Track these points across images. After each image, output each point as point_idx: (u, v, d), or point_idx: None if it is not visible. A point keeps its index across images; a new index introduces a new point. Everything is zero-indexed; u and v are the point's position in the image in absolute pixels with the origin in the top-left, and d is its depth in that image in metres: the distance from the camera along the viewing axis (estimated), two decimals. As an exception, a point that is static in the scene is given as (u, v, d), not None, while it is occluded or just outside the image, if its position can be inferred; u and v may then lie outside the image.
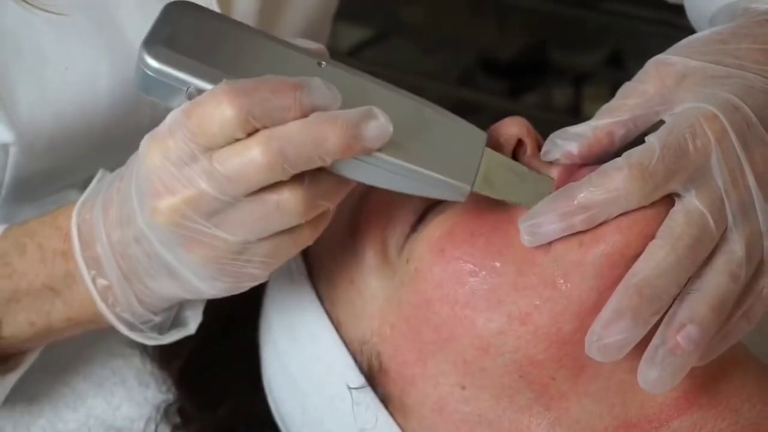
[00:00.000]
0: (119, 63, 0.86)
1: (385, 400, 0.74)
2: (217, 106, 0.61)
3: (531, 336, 0.68)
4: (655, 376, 0.63)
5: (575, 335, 0.67)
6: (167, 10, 0.68)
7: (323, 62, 0.68)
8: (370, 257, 0.75)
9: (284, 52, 0.68)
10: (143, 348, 0.91)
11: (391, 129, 0.63)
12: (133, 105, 0.89)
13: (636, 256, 0.65)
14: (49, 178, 0.88)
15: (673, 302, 0.64)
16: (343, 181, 0.66)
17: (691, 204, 0.64)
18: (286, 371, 0.79)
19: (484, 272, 0.69)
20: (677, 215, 0.64)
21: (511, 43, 2.41)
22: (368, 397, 0.74)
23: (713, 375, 0.70)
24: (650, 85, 0.69)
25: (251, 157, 0.61)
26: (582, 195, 0.65)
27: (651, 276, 0.63)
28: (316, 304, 0.77)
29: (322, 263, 0.78)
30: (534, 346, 0.68)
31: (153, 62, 0.65)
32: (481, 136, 0.70)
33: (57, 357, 0.91)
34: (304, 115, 0.62)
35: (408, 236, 0.73)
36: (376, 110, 0.63)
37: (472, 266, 0.70)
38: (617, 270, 0.66)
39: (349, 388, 0.74)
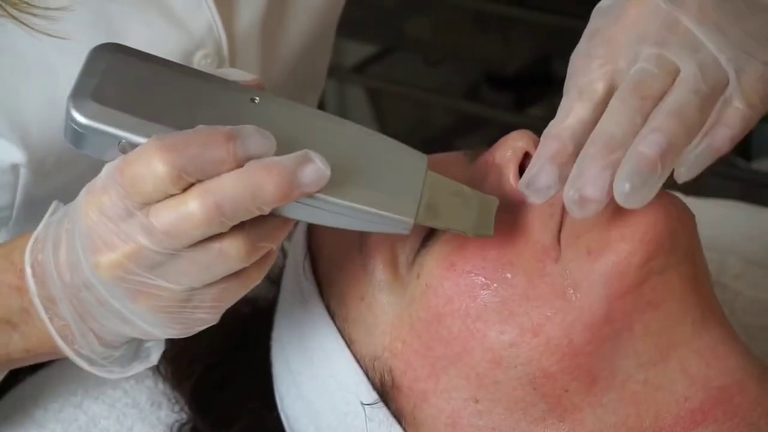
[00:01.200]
0: None
1: (398, 416, 0.73)
2: (149, 165, 0.60)
3: (544, 348, 0.68)
4: (626, 187, 0.61)
5: (587, 347, 0.67)
6: (93, 56, 0.66)
7: (257, 98, 0.67)
8: (380, 273, 0.74)
9: (216, 91, 0.66)
10: (155, 368, 0.90)
11: (328, 172, 0.62)
12: None
13: (642, 264, 0.65)
14: (59, 198, 0.88)
15: None
16: (285, 220, 0.65)
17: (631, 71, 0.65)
18: (298, 389, 0.79)
19: (495, 284, 0.69)
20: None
21: (516, 56, 2.41)
22: (381, 413, 0.74)
23: (729, 388, 0.69)
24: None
25: (188, 212, 0.60)
26: (552, 124, 0.66)
27: (600, 127, 0.63)
28: (328, 321, 0.77)
29: (332, 280, 0.78)
30: (547, 358, 0.68)
31: (81, 118, 0.63)
32: (422, 160, 0.69)
33: (67, 380, 0.91)
34: (239, 166, 0.61)
35: (418, 252, 0.73)
36: (312, 154, 0.62)
37: (483, 279, 0.70)
38: (626, 280, 0.66)
39: (362, 405, 0.74)
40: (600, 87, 0.65)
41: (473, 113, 2.54)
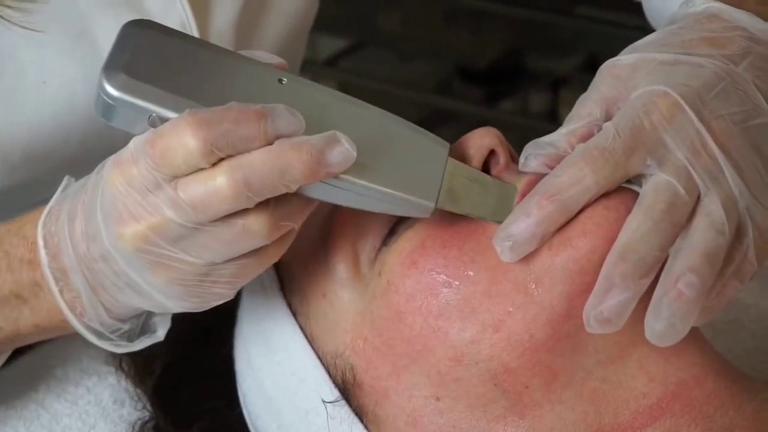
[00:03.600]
0: (96, 77, 0.85)
1: (360, 414, 0.73)
2: (181, 139, 0.61)
3: (505, 343, 0.68)
4: (662, 326, 0.62)
5: (547, 342, 0.67)
6: (125, 31, 0.67)
7: (284, 78, 0.68)
8: (341, 270, 0.74)
9: (245, 70, 0.68)
10: (118, 365, 0.90)
11: (354, 153, 0.63)
12: None
13: (602, 262, 0.65)
14: (27, 192, 0.88)
15: (662, 267, 0.64)
16: (308, 200, 0.66)
17: (657, 177, 0.65)
18: (260, 386, 0.79)
19: (457, 282, 0.69)
20: (645, 190, 0.65)
21: (488, 50, 2.42)
22: (343, 411, 0.73)
23: (686, 382, 0.70)
24: (605, 85, 0.70)
25: (216, 187, 0.61)
26: (544, 187, 0.65)
27: (631, 241, 0.63)
28: (289, 318, 0.77)
29: (294, 276, 0.78)
30: (508, 353, 0.68)
31: (113, 91, 0.64)
32: (444, 147, 0.70)
33: (30, 378, 0.91)
34: (269, 143, 0.62)
35: (379, 249, 0.73)
36: (340, 135, 0.63)
37: (445, 277, 0.69)
38: (586, 276, 0.66)
39: (324, 402, 0.74)
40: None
41: (445, 107, 2.55)
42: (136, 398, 0.89)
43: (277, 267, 0.79)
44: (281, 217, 0.64)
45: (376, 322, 0.72)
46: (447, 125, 2.56)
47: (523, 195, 0.68)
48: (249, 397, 0.81)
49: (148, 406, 0.87)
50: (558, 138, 0.69)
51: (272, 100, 0.64)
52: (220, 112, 0.62)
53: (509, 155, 0.75)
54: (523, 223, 0.65)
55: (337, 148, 0.63)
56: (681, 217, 0.64)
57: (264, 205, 0.63)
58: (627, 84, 0.69)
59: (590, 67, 2.40)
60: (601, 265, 0.65)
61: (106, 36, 0.87)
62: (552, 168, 0.68)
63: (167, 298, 0.67)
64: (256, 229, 0.64)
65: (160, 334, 0.76)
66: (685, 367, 0.70)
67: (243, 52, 0.70)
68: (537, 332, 0.67)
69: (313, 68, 2.61)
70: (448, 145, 0.70)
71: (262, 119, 0.62)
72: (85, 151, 0.87)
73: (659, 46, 0.70)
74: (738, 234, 0.65)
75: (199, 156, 0.61)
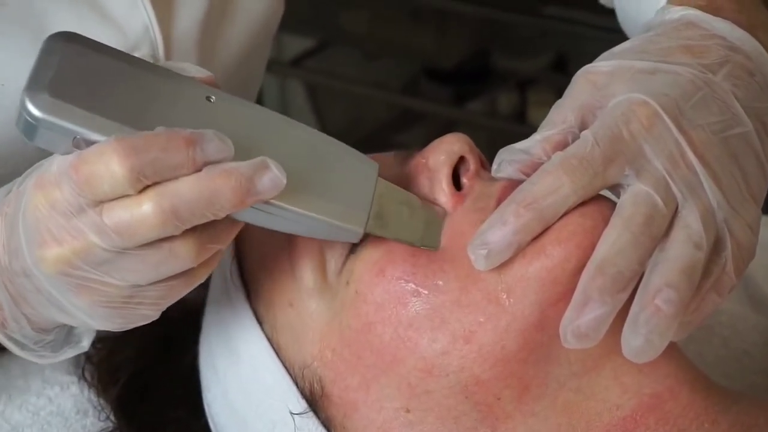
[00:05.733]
0: None
1: (328, 426, 0.72)
2: (107, 166, 0.59)
3: (476, 354, 0.67)
4: (639, 343, 0.61)
5: (519, 353, 0.67)
6: (47, 47, 0.65)
7: (213, 96, 0.66)
8: (308, 279, 0.73)
9: (173, 88, 0.66)
10: (81, 375, 0.89)
11: (284, 180, 0.62)
12: None
13: (576, 271, 0.64)
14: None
15: (640, 280, 0.63)
16: (235, 222, 0.65)
17: (635, 187, 0.64)
18: (226, 397, 0.78)
19: (426, 291, 0.68)
20: (624, 200, 0.64)
21: (455, 50, 2.41)
22: (311, 422, 0.72)
23: (661, 394, 0.69)
24: (581, 91, 0.69)
25: (143, 215, 0.60)
26: (521, 195, 0.64)
27: (609, 255, 0.62)
28: (255, 327, 0.75)
29: (260, 285, 0.77)
30: (479, 365, 0.67)
31: (37, 112, 0.61)
32: (373, 168, 0.69)
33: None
34: (197, 170, 0.61)
35: (347, 257, 0.72)
36: (269, 161, 0.62)
37: (413, 286, 0.68)
38: (559, 286, 0.65)
39: (291, 414, 0.72)
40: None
41: (412, 107, 2.54)
42: (99, 408, 0.87)
43: (243, 274, 0.78)
44: (208, 240, 0.63)
45: (344, 332, 0.71)
46: (414, 125, 2.56)
47: (499, 201, 0.67)
48: (214, 407, 0.80)
49: (112, 417, 0.86)
50: (532, 144, 0.67)
51: (201, 121, 0.63)
52: (148, 139, 0.60)
53: (479, 161, 0.74)
54: (500, 231, 0.64)
55: (267, 174, 0.61)
56: (659, 230, 0.63)
57: (191, 228, 0.62)
58: (604, 91, 0.68)
59: (558, 68, 2.40)
60: (574, 274, 0.64)
61: None
62: (526, 174, 0.67)
63: (91, 318, 0.66)
64: (182, 252, 0.62)
65: (85, 344, 0.75)
66: (659, 378, 0.69)
67: (172, 64, 0.68)
68: (509, 343, 0.66)
69: (278, 68, 2.60)
70: (377, 165, 0.70)
71: (190, 146, 0.60)
72: (44, 155, 0.85)
73: (636, 53, 0.69)
74: (716, 246, 0.64)
75: (126, 184, 0.60)
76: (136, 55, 0.89)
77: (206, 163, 0.61)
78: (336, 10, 2.52)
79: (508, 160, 0.68)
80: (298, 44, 2.60)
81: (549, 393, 0.68)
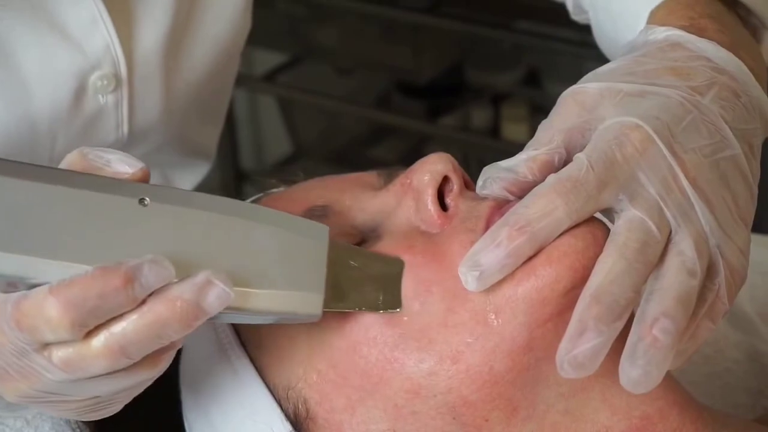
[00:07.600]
0: (14, 100, 0.83)
1: (313, 448, 0.71)
2: (47, 320, 0.58)
3: (463, 375, 0.66)
4: (638, 373, 0.60)
5: (507, 375, 0.66)
6: None
7: (146, 198, 0.62)
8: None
9: (102, 199, 0.61)
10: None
11: (231, 293, 0.60)
12: (30, 143, 0.86)
13: (566, 292, 0.64)
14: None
15: (635, 308, 0.62)
16: None
17: (629, 213, 0.63)
18: (207, 417, 0.77)
19: (413, 312, 0.67)
20: (618, 227, 0.64)
21: (427, 65, 2.41)
22: (295, 444, 0.71)
23: (650, 417, 0.69)
24: (569, 112, 0.68)
25: (92, 354, 0.59)
26: (514, 217, 0.64)
27: (604, 283, 0.61)
28: (239, 348, 0.75)
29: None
30: (467, 386, 0.66)
31: None
32: (323, 233, 0.66)
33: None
34: (141, 303, 0.59)
35: None
36: (213, 277, 0.59)
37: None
38: (548, 307, 0.65)
39: (275, 436, 0.72)
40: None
41: (385, 122, 2.54)
42: (78, 430, 0.86)
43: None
44: (162, 351, 0.62)
45: (330, 353, 0.70)
46: (387, 140, 2.55)
47: (488, 220, 0.67)
48: (195, 429, 0.79)
49: (91, 438, 0.85)
50: (517, 163, 0.67)
51: (137, 234, 0.60)
52: (84, 285, 0.58)
53: (463, 181, 0.73)
54: (492, 253, 0.64)
55: (212, 292, 0.59)
56: (654, 256, 0.63)
57: None
58: (593, 113, 0.67)
59: (531, 82, 2.40)
60: (564, 295, 0.64)
61: (29, 61, 0.85)
62: (512, 193, 0.67)
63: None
64: (138, 370, 0.62)
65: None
66: (649, 400, 0.69)
67: (99, 154, 0.63)
68: (497, 364, 0.66)
69: (250, 83, 2.59)
70: (327, 230, 0.67)
71: (129, 284, 0.58)
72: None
73: (623, 75, 0.69)
74: (709, 273, 0.64)
75: (70, 334, 0.58)
76: (96, 75, 0.88)
77: (149, 292, 0.59)
78: (309, 24, 2.52)
79: (494, 177, 0.68)
80: (270, 59, 2.59)
81: (537, 414, 0.67)
